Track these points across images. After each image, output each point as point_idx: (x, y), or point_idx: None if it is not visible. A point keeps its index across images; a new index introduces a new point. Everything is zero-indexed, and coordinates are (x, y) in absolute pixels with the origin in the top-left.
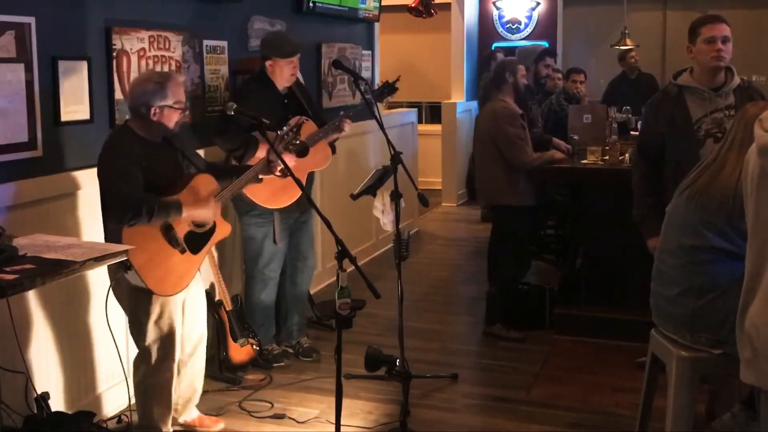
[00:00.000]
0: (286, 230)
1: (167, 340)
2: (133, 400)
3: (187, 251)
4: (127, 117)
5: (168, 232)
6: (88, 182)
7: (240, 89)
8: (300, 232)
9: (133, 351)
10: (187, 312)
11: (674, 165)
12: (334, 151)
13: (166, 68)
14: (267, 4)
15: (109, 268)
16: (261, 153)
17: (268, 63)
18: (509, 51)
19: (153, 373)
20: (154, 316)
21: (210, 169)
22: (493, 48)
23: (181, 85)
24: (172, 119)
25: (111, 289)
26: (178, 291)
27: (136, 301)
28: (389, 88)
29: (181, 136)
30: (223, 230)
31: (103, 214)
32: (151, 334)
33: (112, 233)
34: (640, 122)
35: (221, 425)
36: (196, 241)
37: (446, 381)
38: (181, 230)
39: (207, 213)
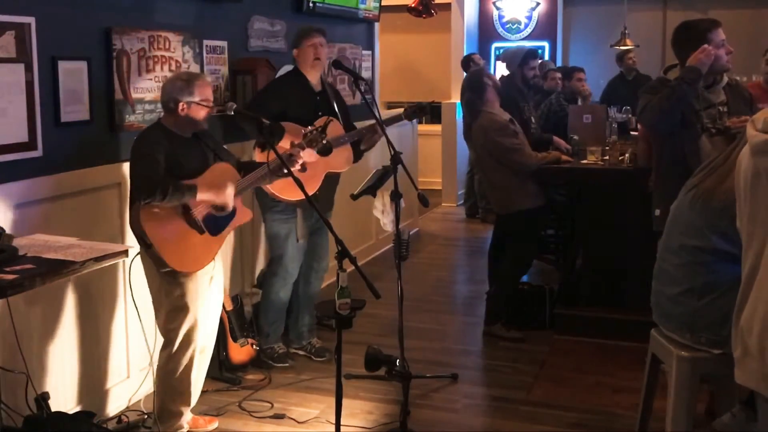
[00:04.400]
0: (307, 228)
1: (188, 325)
2: (132, 401)
3: (206, 232)
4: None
5: (186, 213)
6: (88, 182)
7: (274, 80)
8: (319, 233)
9: (136, 349)
10: (205, 304)
11: (678, 154)
12: (359, 158)
13: (165, 68)
14: (267, 4)
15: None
16: (285, 143)
17: (294, 51)
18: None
19: (173, 358)
20: (175, 298)
21: (241, 165)
22: (494, 48)
23: (209, 85)
24: (200, 114)
25: (144, 271)
26: (196, 269)
27: (161, 283)
28: (422, 109)
29: (213, 134)
30: (244, 215)
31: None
32: (174, 317)
33: (132, 211)
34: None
35: (215, 425)
36: (216, 223)
37: (446, 381)
38: (200, 212)
39: (222, 198)
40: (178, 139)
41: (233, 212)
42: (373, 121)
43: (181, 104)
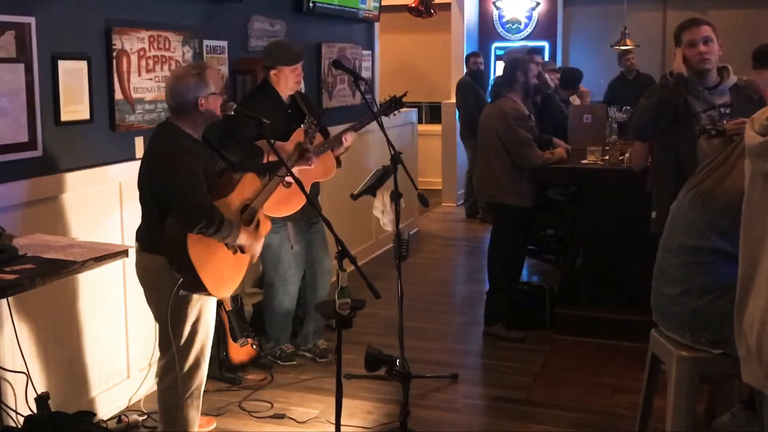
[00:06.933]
0: (300, 234)
1: (203, 344)
2: (132, 401)
3: (239, 251)
4: (168, 116)
5: None
6: (88, 182)
7: (243, 101)
8: (312, 236)
9: (136, 349)
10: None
11: (672, 156)
12: (339, 165)
13: (165, 68)
14: (267, 4)
15: (165, 275)
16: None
17: (272, 72)
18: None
19: (186, 379)
20: (192, 319)
21: (241, 168)
22: (494, 48)
23: (216, 70)
24: (217, 105)
25: (150, 294)
26: (231, 292)
27: (177, 304)
28: (397, 102)
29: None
30: (266, 227)
31: (152, 213)
32: (189, 338)
33: (175, 236)
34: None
35: (214, 425)
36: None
37: (446, 381)
38: None
39: (255, 246)
40: (196, 142)
41: (257, 226)
42: (342, 127)
43: (201, 100)
